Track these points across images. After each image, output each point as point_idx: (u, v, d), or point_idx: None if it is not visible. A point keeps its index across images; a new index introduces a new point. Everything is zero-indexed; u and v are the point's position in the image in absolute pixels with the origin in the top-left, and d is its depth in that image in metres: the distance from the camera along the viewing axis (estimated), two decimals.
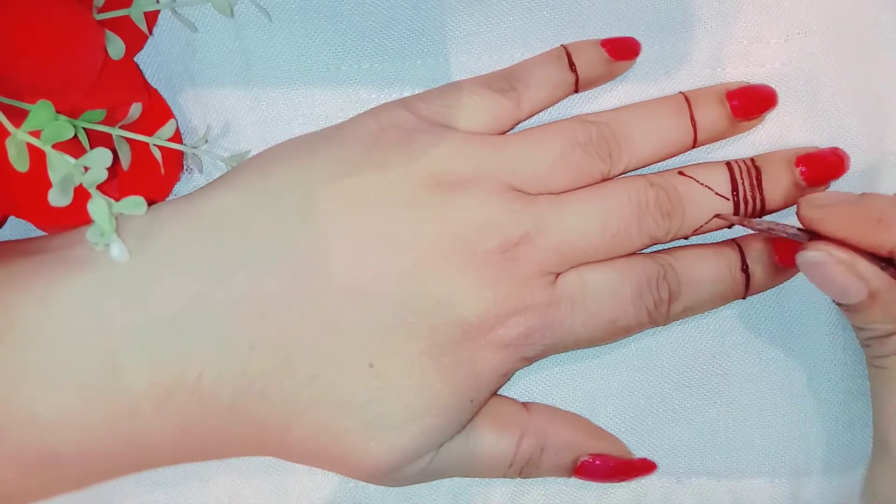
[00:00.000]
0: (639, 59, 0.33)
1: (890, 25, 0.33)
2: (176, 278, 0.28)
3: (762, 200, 0.31)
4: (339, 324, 0.28)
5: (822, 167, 0.31)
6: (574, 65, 0.32)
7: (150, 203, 0.31)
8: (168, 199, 0.32)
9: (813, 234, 0.28)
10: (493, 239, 0.29)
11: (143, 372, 0.27)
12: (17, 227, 0.33)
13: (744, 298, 0.32)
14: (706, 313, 0.33)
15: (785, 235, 0.29)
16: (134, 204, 0.27)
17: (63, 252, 0.28)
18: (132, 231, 0.28)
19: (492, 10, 0.33)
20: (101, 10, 0.30)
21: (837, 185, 0.32)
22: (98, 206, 0.26)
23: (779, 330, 0.33)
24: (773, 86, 0.32)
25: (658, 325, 0.31)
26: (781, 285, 0.33)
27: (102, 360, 0.27)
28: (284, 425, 0.29)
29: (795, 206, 0.29)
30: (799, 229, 0.29)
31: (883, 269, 0.27)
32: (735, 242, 0.32)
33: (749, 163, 0.31)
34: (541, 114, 0.32)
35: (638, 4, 0.32)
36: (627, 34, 0.32)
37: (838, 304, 0.29)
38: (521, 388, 0.33)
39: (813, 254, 0.28)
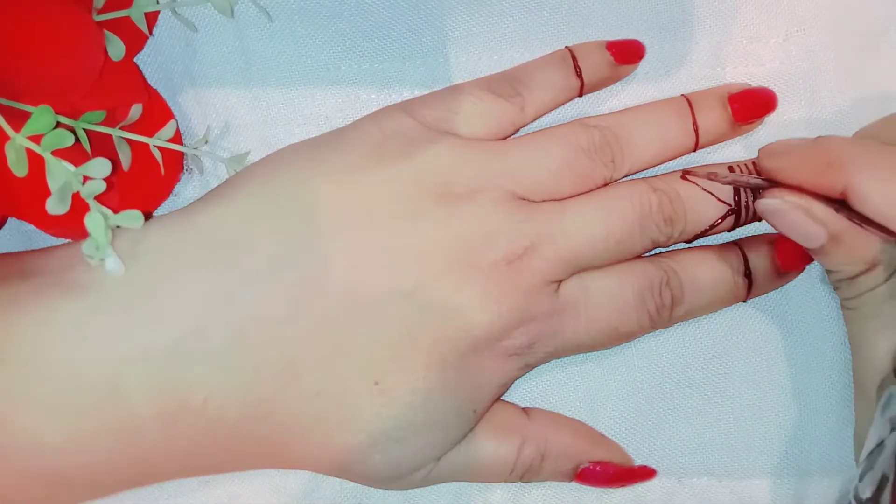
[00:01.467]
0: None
1: (889, 20, 0.32)
2: (177, 302, 0.28)
3: None
4: (343, 341, 0.28)
5: None
6: (580, 69, 0.31)
7: (150, 205, 0.31)
8: (167, 199, 0.32)
9: (775, 184, 0.29)
10: (498, 250, 0.29)
11: (146, 398, 0.27)
12: (16, 228, 0.33)
13: (745, 301, 0.32)
14: (708, 314, 0.33)
15: (748, 185, 0.30)
16: (130, 217, 0.27)
17: (62, 275, 0.28)
18: (129, 250, 0.28)
19: (492, 11, 0.32)
20: (101, 11, 0.30)
21: None
22: (95, 219, 0.26)
23: (779, 330, 0.33)
24: (772, 85, 0.32)
25: (660, 328, 0.31)
26: (785, 288, 0.33)
27: (104, 387, 0.27)
28: (289, 442, 0.29)
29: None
30: (763, 179, 0.30)
31: (837, 210, 0.27)
32: (737, 246, 0.32)
33: (751, 166, 0.31)
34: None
35: (638, 4, 0.32)
36: (627, 34, 0.32)
37: (808, 251, 0.29)
38: (521, 390, 0.33)
39: (769, 201, 0.29)
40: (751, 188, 0.30)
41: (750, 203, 0.31)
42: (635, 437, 0.33)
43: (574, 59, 0.31)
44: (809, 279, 0.33)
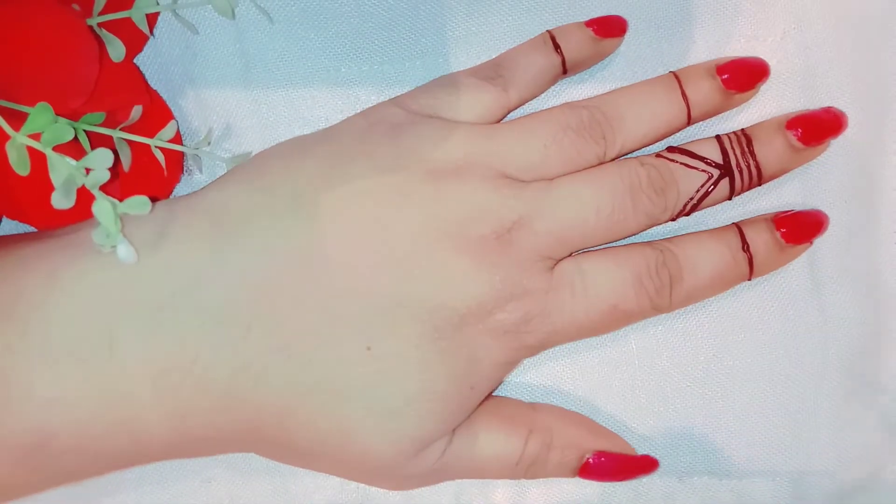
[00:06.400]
0: (638, 58, 0.33)
1: (887, 16, 0.33)
2: (174, 260, 0.28)
3: (757, 167, 0.31)
4: (336, 308, 0.28)
5: (816, 127, 0.31)
6: (559, 47, 0.31)
7: None
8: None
9: None
10: (486, 225, 0.29)
11: (138, 349, 0.27)
12: (15, 230, 0.33)
13: (749, 280, 0.32)
14: (707, 311, 0.33)
15: None
16: (138, 203, 0.27)
17: (68, 237, 0.29)
18: (137, 225, 0.28)
19: (491, 11, 0.33)
20: (101, 12, 0.30)
21: (834, 158, 0.33)
22: (103, 207, 0.26)
23: (781, 329, 0.33)
24: (771, 83, 0.32)
25: (663, 312, 0.31)
26: (784, 285, 0.33)
27: (99, 336, 0.27)
28: (283, 411, 0.29)
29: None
30: None
31: None
32: (735, 225, 0.32)
33: (739, 133, 0.32)
34: (535, 104, 0.33)
35: (637, 4, 0.33)
36: (626, 34, 0.32)
37: None
38: (522, 385, 0.33)
39: None
40: None
41: (742, 164, 0.31)
42: (636, 436, 0.33)
43: (553, 39, 0.32)
44: (811, 278, 0.33)
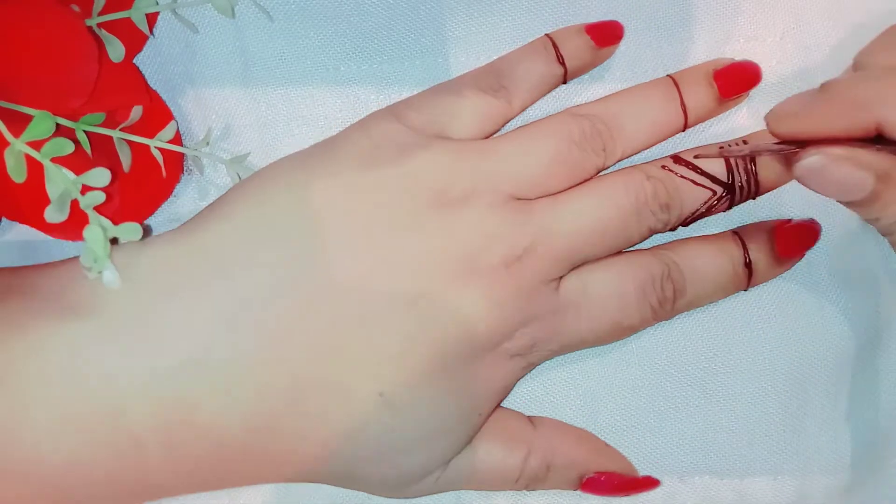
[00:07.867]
0: (638, 59, 0.33)
1: (885, 14, 0.32)
2: (178, 325, 0.27)
3: (756, 184, 0.31)
4: (347, 354, 0.28)
5: None
6: (562, 56, 0.31)
7: (150, 206, 0.31)
8: (167, 200, 0.33)
9: (796, 144, 0.27)
10: (496, 254, 0.29)
11: (148, 422, 0.27)
12: (15, 228, 0.33)
13: (745, 290, 0.32)
14: (708, 311, 0.33)
15: (770, 153, 0.29)
16: (129, 230, 0.27)
17: (63, 295, 0.28)
18: (128, 270, 0.28)
19: (491, 11, 0.32)
20: (101, 13, 0.30)
21: None
22: (94, 232, 0.26)
23: (781, 327, 0.33)
24: (771, 83, 0.32)
25: (663, 320, 0.31)
26: (784, 285, 0.33)
27: (106, 413, 0.27)
28: (295, 457, 0.29)
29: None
30: (780, 143, 0.28)
31: (879, 150, 0.25)
32: (736, 235, 0.32)
33: (741, 143, 0.32)
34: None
35: (636, 4, 0.32)
36: (626, 34, 0.32)
37: (847, 205, 0.27)
38: (522, 389, 0.33)
39: (812, 159, 0.25)
40: (775, 153, 0.29)
41: (744, 183, 0.31)
42: (636, 436, 0.33)
43: (555, 45, 0.31)
44: (811, 276, 0.33)
